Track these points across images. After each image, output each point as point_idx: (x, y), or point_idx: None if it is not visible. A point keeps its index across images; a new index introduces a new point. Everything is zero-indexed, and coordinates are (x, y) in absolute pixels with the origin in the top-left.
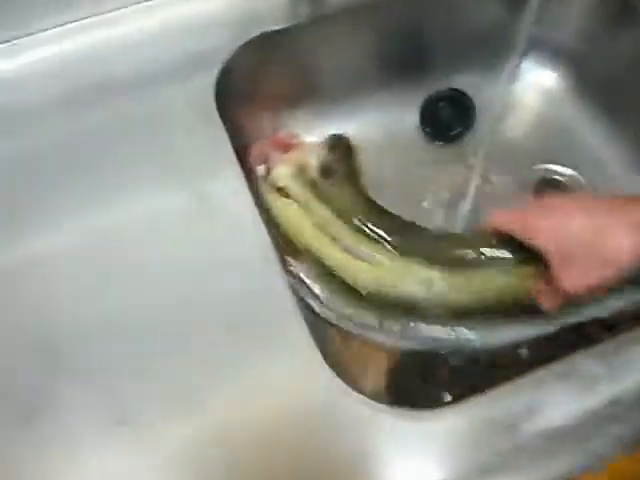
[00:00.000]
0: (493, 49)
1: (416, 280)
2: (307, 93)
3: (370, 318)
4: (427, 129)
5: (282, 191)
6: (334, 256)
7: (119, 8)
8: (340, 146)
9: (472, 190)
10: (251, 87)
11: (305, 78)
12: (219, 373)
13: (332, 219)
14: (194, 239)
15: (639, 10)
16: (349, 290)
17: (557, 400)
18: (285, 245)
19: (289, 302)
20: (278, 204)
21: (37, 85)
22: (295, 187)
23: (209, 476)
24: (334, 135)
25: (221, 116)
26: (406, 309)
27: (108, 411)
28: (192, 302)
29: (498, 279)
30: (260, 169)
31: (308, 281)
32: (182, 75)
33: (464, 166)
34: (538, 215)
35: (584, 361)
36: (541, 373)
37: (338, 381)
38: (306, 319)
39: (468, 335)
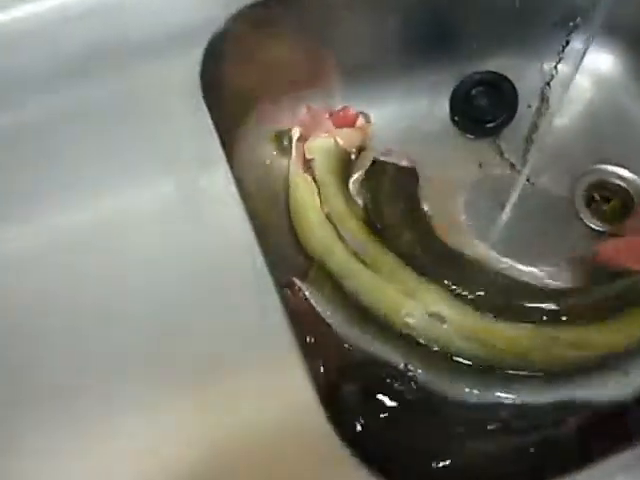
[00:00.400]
0: (536, 26)
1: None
2: (314, 74)
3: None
4: (458, 119)
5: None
6: (337, 257)
7: None
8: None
9: (512, 196)
10: (244, 66)
11: (312, 55)
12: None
13: (347, 214)
14: (174, 240)
15: None
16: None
17: None
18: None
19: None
20: (294, 184)
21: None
22: (324, 167)
23: None
24: None
25: (207, 99)
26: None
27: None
28: (170, 312)
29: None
30: (296, 131)
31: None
32: (165, 50)
33: (502, 166)
34: None
35: None
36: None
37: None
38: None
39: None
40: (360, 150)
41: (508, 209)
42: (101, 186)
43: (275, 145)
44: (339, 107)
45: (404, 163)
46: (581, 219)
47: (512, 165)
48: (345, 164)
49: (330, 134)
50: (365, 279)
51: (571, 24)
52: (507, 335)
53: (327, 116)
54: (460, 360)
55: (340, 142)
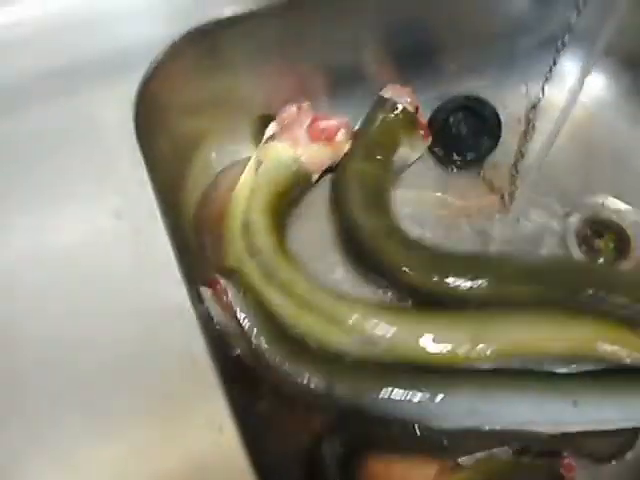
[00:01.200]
0: (521, 44)
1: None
2: (281, 97)
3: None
4: (437, 150)
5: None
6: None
7: None
8: None
9: (498, 233)
10: (187, 94)
11: (263, 83)
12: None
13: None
14: (96, 269)
15: None
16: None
17: None
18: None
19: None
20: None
21: None
22: (270, 174)
23: None
24: None
25: (140, 131)
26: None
27: None
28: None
29: None
30: (268, 130)
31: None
32: (102, 77)
33: (487, 200)
34: None
35: None
36: None
37: None
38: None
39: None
40: (327, 170)
41: (493, 249)
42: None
43: (252, 136)
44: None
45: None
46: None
47: (501, 197)
48: (295, 183)
49: (297, 146)
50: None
51: (559, 43)
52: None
53: (307, 124)
54: None
55: (302, 160)
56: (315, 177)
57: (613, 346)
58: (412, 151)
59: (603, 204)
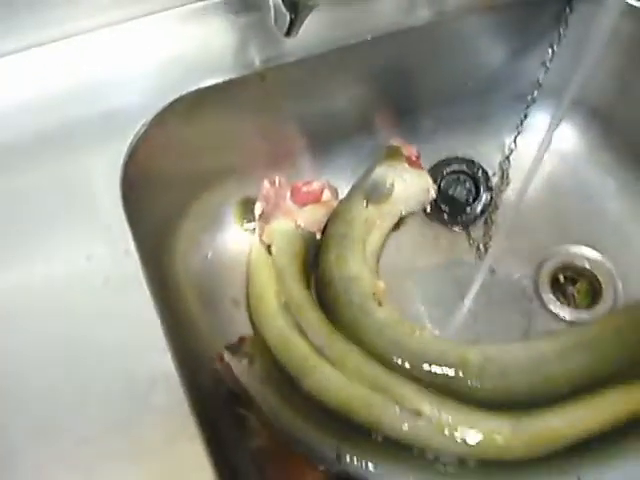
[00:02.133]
0: (493, 100)
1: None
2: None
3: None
4: (430, 211)
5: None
6: (295, 350)
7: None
8: None
9: (474, 285)
10: (174, 160)
11: (247, 146)
12: None
13: (309, 303)
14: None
15: None
16: (304, 401)
17: None
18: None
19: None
20: (254, 263)
21: None
22: (283, 252)
23: None
24: None
25: (127, 199)
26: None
27: None
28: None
29: None
30: (258, 207)
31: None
32: (85, 144)
33: (467, 251)
34: None
35: None
36: None
37: None
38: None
39: None
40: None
41: (469, 299)
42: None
43: (238, 216)
44: (303, 181)
45: None
46: (546, 306)
47: (477, 249)
48: (307, 247)
49: (291, 215)
50: (329, 376)
51: (529, 98)
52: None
53: (289, 193)
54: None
55: (301, 224)
56: (318, 235)
57: None
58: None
59: (576, 253)
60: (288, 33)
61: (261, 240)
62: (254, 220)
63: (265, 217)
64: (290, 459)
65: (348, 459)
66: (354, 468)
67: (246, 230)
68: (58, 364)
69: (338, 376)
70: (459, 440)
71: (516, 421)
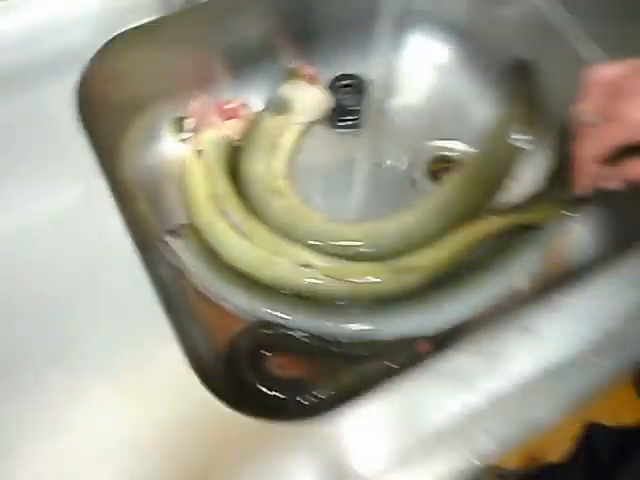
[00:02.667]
0: (379, 28)
1: (295, 265)
2: (199, 77)
3: (242, 298)
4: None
5: (199, 155)
6: (218, 230)
7: None
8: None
9: (364, 176)
10: (118, 87)
11: (186, 72)
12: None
13: (230, 193)
14: (58, 248)
15: None
16: (226, 268)
17: (435, 399)
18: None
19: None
20: (188, 165)
21: None
22: (211, 155)
23: None
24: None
25: (84, 122)
26: (279, 294)
27: None
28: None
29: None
30: (190, 122)
31: (184, 257)
32: (41, 79)
33: (360, 150)
34: None
35: (461, 358)
36: (417, 372)
37: (209, 396)
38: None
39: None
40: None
41: (358, 188)
42: None
43: (172, 130)
44: (224, 100)
45: None
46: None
47: (366, 147)
48: (230, 151)
49: (216, 127)
50: (241, 245)
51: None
52: (364, 270)
53: (214, 109)
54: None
55: (225, 133)
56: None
57: None
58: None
59: (446, 146)
60: None
61: (193, 147)
62: (186, 132)
63: (195, 129)
64: (220, 313)
65: (261, 309)
66: (265, 315)
67: (179, 141)
68: (36, 283)
69: (248, 245)
70: (345, 282)
71: (386, 265)
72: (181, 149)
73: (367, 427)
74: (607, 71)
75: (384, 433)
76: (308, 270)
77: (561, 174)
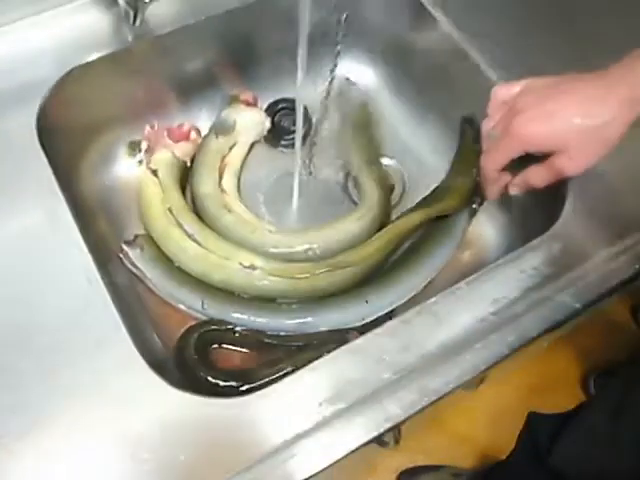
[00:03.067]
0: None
1: (242, 267)
2: (151, 104)
3: (194, 299)
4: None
5: (155, 174)
6: (172, 238)
7: None
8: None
9: (303, 189)
10: (76, 114)
11: (136, 99)
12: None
13: (184, 207)
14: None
15: (432, 15)
16: (179, 273)
17: (355, 375)
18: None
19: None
20: (144, 183)
21: None
22: (165, 174)
23: None
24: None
25: (45, 150)
26: (227, 294)
27: None
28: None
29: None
30: (144, 144)
31: (139, 264)
32: (4, 108)
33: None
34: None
35: (375, 339)
36: (337, 352)
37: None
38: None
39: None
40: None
41: (296, 200)
42: None
43: (128, 153)
44: (176, 125)
45: None
46: (354, 201)
47: (303, 163)
48: (182, 170)
49: (169, 148)
50: (194, 251)
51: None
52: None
53: (166, 133)
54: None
55: (177, 154)
56: (189, 163)
57: None
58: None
59: None
60: (134, 23)
61: (148, 167)
62: (141, 154)
63: (149, 151)
64: (172, 313)
65: (211, 308)
66: (216, 313)
67: (135, 162)
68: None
69: (202, 251)
70: (286, 279)
71: (322, 263)
72: (137, 170)
73: (296, 399)
74: (504, 90)
75: (310, 403)
76: (255, 272)
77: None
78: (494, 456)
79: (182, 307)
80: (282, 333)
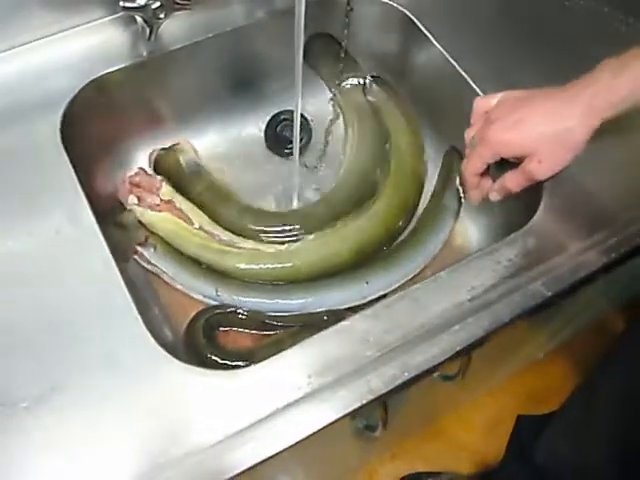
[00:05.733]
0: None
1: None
2: (153, 119)
3: (208, 287)
4: (271, 145)
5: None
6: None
7: None
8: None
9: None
10: (97, 122)
11: (150, 109)
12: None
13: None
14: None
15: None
16: (191, 265)
17: (339, 353)
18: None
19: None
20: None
21: None
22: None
23: None
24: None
25: (69, 154)
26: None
27: None
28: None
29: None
30: (132, 198)
31: (154, 261)
32: (28, 118)
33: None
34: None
35: (360, 321)
36: (326, 332)
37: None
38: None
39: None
40: None
41: (296, 199)
42: None
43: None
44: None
45: None
46: None
47: (305, 167)
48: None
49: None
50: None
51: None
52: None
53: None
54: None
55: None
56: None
57: None
58: None
59: None
60: (149, 39)
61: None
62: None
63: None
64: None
65: (224, 294)
66: (227, 299)
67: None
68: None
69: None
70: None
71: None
72: None
73: (288, 372)
74: (484, 102)
75: (301, 376)
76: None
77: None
78: (492, 463)
79: (198, 296)
80: (286, 314)
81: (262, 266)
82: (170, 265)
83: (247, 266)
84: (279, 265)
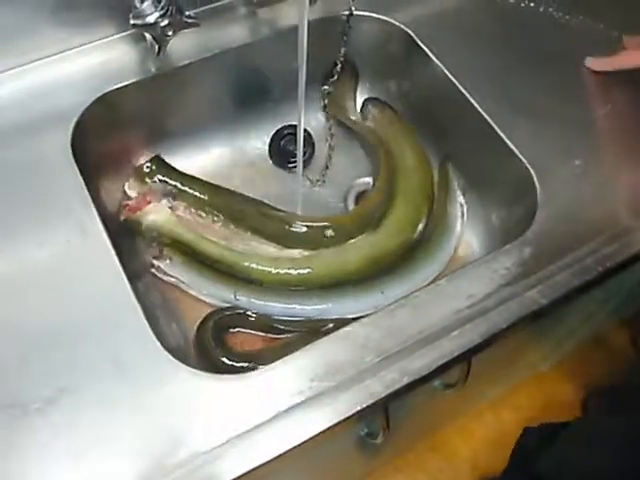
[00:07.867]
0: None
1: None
2: (160, 132)
3: (227, 292)
4: (275, 159)
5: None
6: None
7: None
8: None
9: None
10: (107, 138)
11: (158, 123)
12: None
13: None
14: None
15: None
16: (209, 272)
17: (341, 358)
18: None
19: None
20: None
21: None
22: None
23: None
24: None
25: (79, 167)
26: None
27: None
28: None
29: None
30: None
31: (172, 273)
32: (40, 133)
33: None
34: None
35: (361, 327)
36: (328, 338)
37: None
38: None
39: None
40: None
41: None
42: None
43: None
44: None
45: None
46: None
47: (309, 181)
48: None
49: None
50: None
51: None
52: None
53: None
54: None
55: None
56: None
57: None
58: None
59: (365, 181)
60: (158, 55)
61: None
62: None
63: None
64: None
65: (242, 298)
66: (245, 303)
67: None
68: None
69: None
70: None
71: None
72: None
73: (291, 376)
74: None
75: (303, 380)
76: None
77: None
78: (494, 476)
79: (216, 301)
80: (302, 319)
81: (280, 271)
82: (187, 274)
83: (266, 269)
84: (296, 271)
